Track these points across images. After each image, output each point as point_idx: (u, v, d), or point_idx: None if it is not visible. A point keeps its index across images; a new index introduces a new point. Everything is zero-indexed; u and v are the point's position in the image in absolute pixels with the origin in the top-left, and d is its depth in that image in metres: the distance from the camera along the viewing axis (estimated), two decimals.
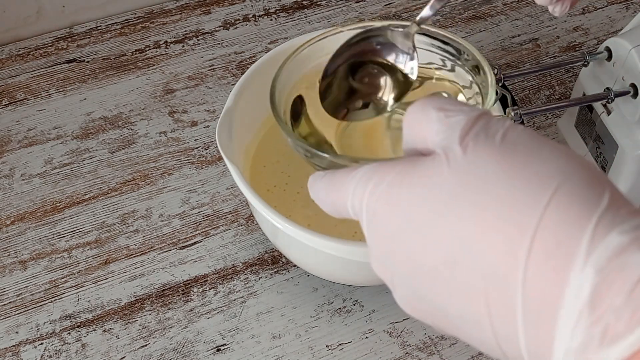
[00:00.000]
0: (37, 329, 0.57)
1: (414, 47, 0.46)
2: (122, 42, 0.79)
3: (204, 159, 0.68)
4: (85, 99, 0.74)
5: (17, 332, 0.57)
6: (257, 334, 0.56)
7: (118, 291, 0.59)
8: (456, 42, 0.49)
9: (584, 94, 0.62)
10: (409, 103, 0.34)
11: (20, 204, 0.65)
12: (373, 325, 0.57)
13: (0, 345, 0.56)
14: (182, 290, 0.59)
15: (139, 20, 0.81)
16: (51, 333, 0.57)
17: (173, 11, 0.82)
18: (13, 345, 0.56)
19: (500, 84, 0.59)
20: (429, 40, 0.50)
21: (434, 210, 0.28)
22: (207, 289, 0.59)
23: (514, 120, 0.55)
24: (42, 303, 0.58)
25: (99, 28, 0.81)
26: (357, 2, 0.83)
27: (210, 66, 0.76)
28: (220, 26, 0.80)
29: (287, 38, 0.79)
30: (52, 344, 0.56)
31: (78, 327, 0.57)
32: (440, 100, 0.31)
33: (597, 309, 0.24)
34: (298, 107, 0.50)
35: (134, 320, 0.57)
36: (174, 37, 0.79)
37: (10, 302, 0.58)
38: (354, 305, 0.58)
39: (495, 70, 0.58)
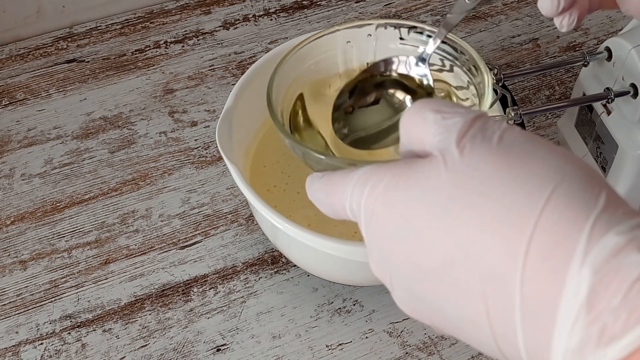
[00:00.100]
0: (37, 329, 0.57)
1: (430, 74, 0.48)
2: (122, 42, 0.79)
3: (204, 159, 0.68)
4: (85, 99, 0.74)
5: (17, 332, 0.57)
6: (257, 334, 0.56)
7: (118, 291, 0.59)
8: (454, 42, 0.49)
9: (584, 94, 0.62)
10: None
11: (20, 204, 0.65)
12: (373, 325, 0.57)
13: (0, 345, 0.56)
14: (182, 290, 0.59)
15: (139, 20, 0.81)
16: (51, 333, 0.57)
17: (173, 11, 0.82)
18: (13, 345, 0.56)
19: (500, 84, 0.58)
20: (428, 40, 0.50)
21: (431, 212, 0.28)
22: (207, 289, 0.59)
23: (514, 121, 0.55)
24: (42, 303, 0.58)
25: (99, 28, 0.81)
26: (357, 2, 0.83)
27: (210, 66, 0.76)
28: (220, 26, 0.80)
29: (287, 38, 0.79)
30: (52, 344, 0.56)
31: (78, 327, 0.57)
32: (437, 102, 0.31)
33: (594, 309, 0.24)
34: (296, 108, 0.50)
35: (134, 320, 0.57)
36: (174, 37, 0.79)
37: (10, 302, 0.59)
38: (354, 305, 0.58)
39: (495, 70, 0.58)
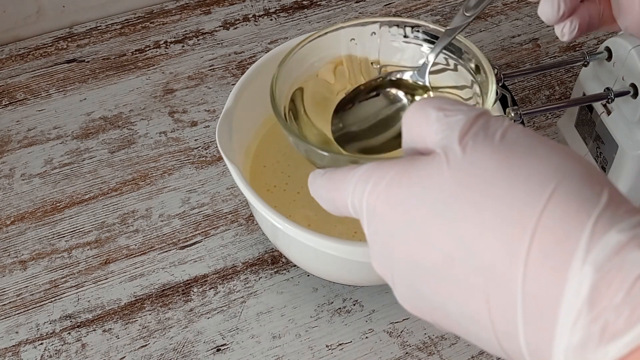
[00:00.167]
0: (37, 329, 0.57)
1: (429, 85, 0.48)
2: (122, 42, 0.79)
3: (204, 159, 0.68)
4: (85, 99, 0.74)
5: (17, 332, 0.57)
6: (257, 334, 0.56)
7: (118, 291, 0.59)
8: (458, 41, 0.49)
9: (584, 94, 0.62)
10: None
11: (20, 204, 0.65)
12: (373, 325, 0.57)
13: (0, 345, 0.56)
14: (182, 290, 0.59)
15: (139, 20, 0.81)
16: (51, 333, 0.57)
17: (173, 11, 0.82)
18: (13, 345, 0.56)
19: (500, 84, 0.59)
20: (431, 38, 0.50)
21: (433, 210, 0.28)
22: (207, 289, 0.59)
23: (514, 120, 0.55)
24: (42, 303, 0.58)
25: (99, 28, 0.81)
26: (357, 2, 0.83)
27: (210, 66, 0.76)
28: (220, 26, 0.81)
29: (287, 38, 0.79)
30: (52, 344, 0.56)
31: (78, 327, 0.57)
32: (439, 100, 0.31)
33: (596, 306, 0.24)
34: (299, 105, 0.50)
35: (134, 320, 0.57)
36: (174, 37, 0.79)
37: (10, 302, 0.58)
38: (354, 305, 0.58)
39: (495, 70, 0.58)
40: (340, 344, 0.56)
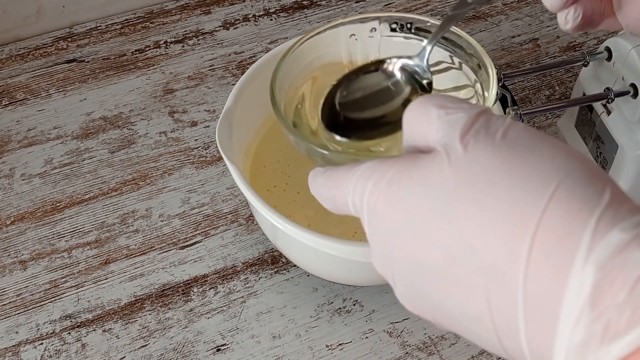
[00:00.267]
0: (37, 329, 0.57)
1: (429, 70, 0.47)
2: (122, 42, 0.79)
3: (204, 159, 0.68)
4: (85, 99, 0.74)
5: (17, 332, 0.57)
6: (257, 334, 0.56)
7: (118, 291, 0.59)
8: (461, 39, 0.49)
9: (584, 94, 0.62)
10: None
11: (20, 204, 0.65)
12: (373, 325, 0.57)
13: (0, 345, 0.56)
14: (182, 290, 0.59)
15: (139, 20, 0.81)
16: (51, 333, 0.57)
17: (173, 11, 0.82)
18: (13, 345, 0.56)
19: (500, 84, 0.59)
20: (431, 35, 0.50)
21: (434, 208, 0.28)
22: (207, 289, 0.59)
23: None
24: (42, 303, 0.58)
25: (99, 28, 0.81)
26: (357, 2, 0.83)
27: (210, 66, 0.76)
28: (220, 26, 0.80)
29: (287, 38, 0.79)
30: (52, 344, 0.56)
31: (78, 327, 0.57)
32: (440, 97, 0.31)
33: (598, 306, 0.24)
34: (300, 103, 0.50)
35: (134, 320, 0.57)
36: (174, 37, 0.79)
37: (10, 302, 0.58)
38: (354, 305, 0.58)
39: (495, 70, 0.58)
40: (340, 344, 0.56)
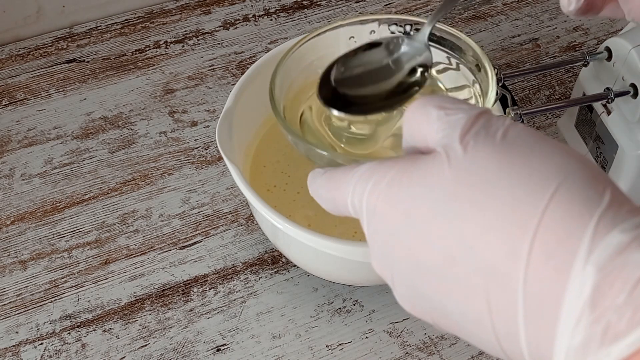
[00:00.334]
0: (37, 329, 0.57)
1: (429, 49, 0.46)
2: (122, 42, 0.79)
3: (204, 159, 0.68)
4: (85, 99, 0.74)
5: (17, 332, 0.57)
6: (257, 334, 0.56)
7: (118, 291, 0.59)
8: (460, 40, 0.49)
9: (584, 94, 0.62)
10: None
11: (20, 204, 0.65)
12: (373, 325, 0.57)
13: (0, 345, 0.56)
14: (182, 290, 0.59)
15: (139, 20, 0.81)
16: (51, 333, 0.57)
17: (173, 11, 0.82)
18: (13, 345, 0.56)
19: (500, 84, 0.59)
20: (436, 38, 0.50)
21: (434, 209, 0.28)
22: (207, 289, 0.59)
23: (514, 121, 0.55)
24: (42, 303, 0.58)
25: (99, 28, 0.81)
26: (357, 2, 0.83)
27: (210, 66, 0.76)
28: (220, 26, 0.80)
29: (287, 38, 0.79)
30: (52, 344, 0.56)
31: (78, 327, 0.57)
32: (440, 98, 0.31)
33: (598, 307, 0.24)
34: (299, 105, 0.50)
35: (134, 320, 0.57)
36: (174, 37, 0.79)
37: (10, 302, 0.58)
38: (354, 305, 0.58)
39: (495, 70, 0.58)
40: (340, 344, 0.56)
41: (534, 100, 0.73)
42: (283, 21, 0.81)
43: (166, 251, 0.61)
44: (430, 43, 0.49)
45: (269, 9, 0.82)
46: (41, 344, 0.56)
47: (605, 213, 0.25)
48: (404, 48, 0.46)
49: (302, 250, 0.53)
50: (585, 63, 0.60)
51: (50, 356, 0.55)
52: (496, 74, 0.57)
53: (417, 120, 0.31)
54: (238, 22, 0.81)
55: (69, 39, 0.80)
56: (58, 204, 0.65)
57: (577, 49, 0.77)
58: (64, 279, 0.60)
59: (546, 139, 0.28)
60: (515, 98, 0.64)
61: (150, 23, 0.81)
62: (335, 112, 0.42)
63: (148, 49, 0.78)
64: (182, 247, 0.61)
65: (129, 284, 0.59)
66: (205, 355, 0.55)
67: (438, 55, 0.50)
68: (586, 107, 0.62)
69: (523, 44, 0.78)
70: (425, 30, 0.46)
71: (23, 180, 0.67)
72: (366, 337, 0.56)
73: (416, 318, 0.55)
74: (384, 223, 0.30)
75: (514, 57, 0.76)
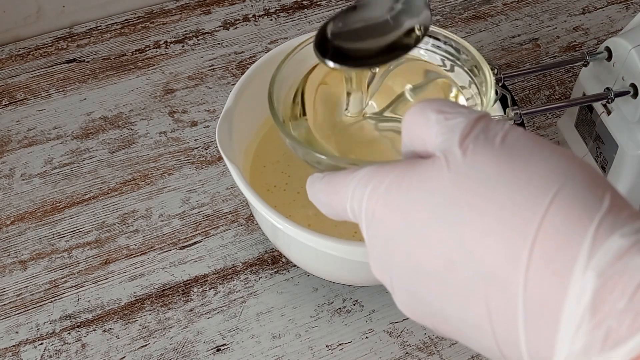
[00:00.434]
0: (37, 329, 0.57)
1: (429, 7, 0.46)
2: (122, 42, 0.79)
3: (204, 159, 0.68)
4: (85, 99, 0.74)
5: (17, 332, 0.57)
6: (257, 334, 0.56)
7: (118, 291, 0.59)
8: (455, 42, 0.49)
9: (584, 94, 0.62)
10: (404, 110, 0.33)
11: (20, 204, 0.65)
12: (373, 325, 0.57)
13: (0, 345, 0.56)
14: (182, 290, 0.59)
15: (139, 20, 0.81)
16: (51, 333, 0.57)
17: (173, 11, 0.82)
18: (13, 345, 0.56)
19: (500, 84, 0.58)
20: (428, 40, 0.50)
21: (433, 214, 0.28)
22: (207, 289, 0.59)
23: (514, 121, 0.55)
24: (42, 303, 0.58)
25: (99, 28, 0.81)
26: (357, 2, 0.83)
27: (210, 66, 0.76)
28: (220, 26, 0.80)
29: (287, 38, 0.79)
30: (52, 344, 0.56)
31: (78, 327, 0.57)
32: (439, 102, 0.31)
33: (598, 313, 0.24)
34: (297, 108, 0.50)
35: (134, 320, 0.57)
36: (174, 37, 0.79)
37: (10, 302, 0.58)
38: (354, 305, 0.58)
39: (495, 70, 0.58)
40: (340, 344, 0.56)
41: (534, 100, 0.73)
42: (283, 21, 0.81)
43: (166, 251, 0.61)
44: (426, 47, 0.49)
45: (269, 9, 0.82)
46: (41, 344, 0.56)
47: (605, 218, 0.25)
48: (403, 6, 0.46)
49: (302, 250, 0.53)
50: (585, 63, 0.60)
51: (50, 356, 0.55)
52: (496, 74, 0.57)
53: (416, 125, 0.31)
54: (238, 22, 0.81)
55: (69, 39, 0.80)
56: (58, 204, 0.65)
57: (577, 49, 0.77)
58: (64, 279, 0.60)
59: (545, 143, 0.28)
60: (515, 98, 0.64)
61: (150, 23, 0.81)
62: (330, 64, 0.42)
63: (148, 49, 0.78)
64: (182, 247, 0.62)
65: (129, 284, 0.59)
66: (205, 355, 0.55)
67: (431, 56, 0.50)
68: (586, 107, 0.62)
69: (523, 44, 0.78)
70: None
71: (23, 180, 0.67)
72: (366, 337, 0.56)
73: None
74: (383, 227, 0.30)
75: (514, 57, 0.76)
